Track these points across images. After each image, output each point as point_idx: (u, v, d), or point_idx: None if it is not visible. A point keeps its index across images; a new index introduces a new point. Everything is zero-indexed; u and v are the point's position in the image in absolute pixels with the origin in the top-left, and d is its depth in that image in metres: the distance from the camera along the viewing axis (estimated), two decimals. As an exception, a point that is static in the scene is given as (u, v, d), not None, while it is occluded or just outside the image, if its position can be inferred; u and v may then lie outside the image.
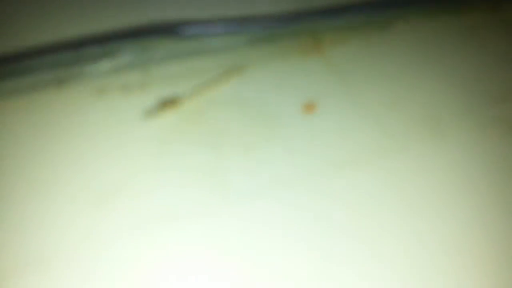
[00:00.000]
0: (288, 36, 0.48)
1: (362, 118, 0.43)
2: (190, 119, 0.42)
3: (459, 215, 0.36)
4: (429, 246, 0.35)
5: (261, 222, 0.35)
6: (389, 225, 0.35)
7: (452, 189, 0.38)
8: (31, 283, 0.32)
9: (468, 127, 0.43)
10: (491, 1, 0.52)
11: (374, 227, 0.35)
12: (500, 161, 0.40)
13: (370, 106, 0.44)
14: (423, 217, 0.36)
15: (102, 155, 0.39)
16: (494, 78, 0.47)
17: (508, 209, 0.37)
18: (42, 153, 0.39)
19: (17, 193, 0.36)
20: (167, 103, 0.41)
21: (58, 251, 0.33)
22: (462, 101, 0.44)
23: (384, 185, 0.39)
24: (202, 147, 0.39)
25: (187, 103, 0.42)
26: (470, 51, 0.49)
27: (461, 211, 0.36)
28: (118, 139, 0.40)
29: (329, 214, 0.36)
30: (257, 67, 0.46)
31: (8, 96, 0.42)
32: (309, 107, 0.43)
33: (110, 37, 0.44)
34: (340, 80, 0.46)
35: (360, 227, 0.35)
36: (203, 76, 0.45)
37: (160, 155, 0.39)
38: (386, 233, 0.35)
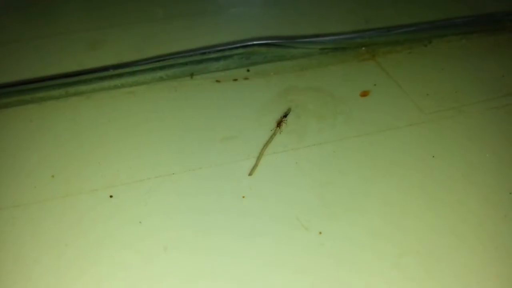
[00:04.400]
0: (350, 48, 0.67)
1: (402, 101, 0.59)
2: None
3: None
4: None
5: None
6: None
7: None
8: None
9: (484, 110, 0.57)
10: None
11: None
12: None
13: (408, 94, 0.60)
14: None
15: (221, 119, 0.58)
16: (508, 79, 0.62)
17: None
18: (190, 121, 0.58)
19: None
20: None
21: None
22: (480, 91, 0.60)
23: (414, 144, 0.54)
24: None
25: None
26: (489, 61, 0.64)
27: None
28: (228, 111, 0.59)
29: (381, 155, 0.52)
30: (327, 68, 0.65)
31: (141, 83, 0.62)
32: (364, 93, 0.60)
33: (226, 45, 0.65)
34: (387, 77, 0.63)
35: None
36: (287, 75, 0.64)
37: (261, 111, 0.57)
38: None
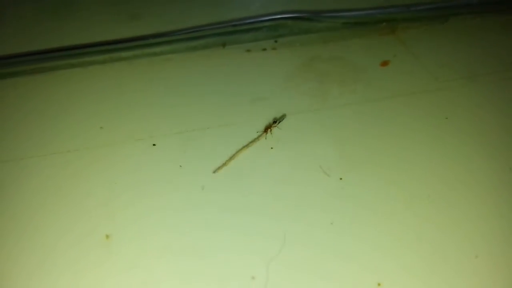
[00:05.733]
0: (371, 23, 0.72)
1: (418, 71, 0.64)
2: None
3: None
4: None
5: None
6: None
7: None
8: None
9: (496, 80, 0.62)
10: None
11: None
12: None
13: (424, 64, 0.65)
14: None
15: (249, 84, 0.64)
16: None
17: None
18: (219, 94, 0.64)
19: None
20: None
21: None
22: (493, 64, 0.64)
23: (429, 108, 0.59)
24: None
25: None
26: (502, 38, 0.69)
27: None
28: (257, 77, 0.65)
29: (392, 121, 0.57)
30: (349, 41, 0.70)
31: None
32: (383, 63, 0.65)
33: (255, 18, 0.70)
34: (405, 50, 0.67)
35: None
36: (311, 47, 0.69)
37: (288, 77, 0.63)
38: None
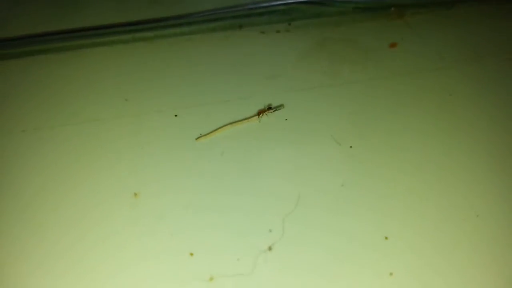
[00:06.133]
0: (380, 8, 0.75)
1: (426, 51, 0.67)
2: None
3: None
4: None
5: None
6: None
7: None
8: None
9: (499, 60, 0.65)
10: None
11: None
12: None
13: (431, 46, 0.68)
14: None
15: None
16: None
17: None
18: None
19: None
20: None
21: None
22: (497, 46, 0.67)
23: (436, 85, 0.62)
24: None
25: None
26: (506, 24, 0.72)
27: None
28: (272, 57, 0.69)
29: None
30: (359, 24, 0.73)
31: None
32: (392, 44, 0.69)
33: (270, 2, 0.74)
34: (413, 33, 0.71)
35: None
36: (323, 29, 0.73)
37: (300, 57, 0.66)
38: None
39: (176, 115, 0.58)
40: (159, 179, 0.51)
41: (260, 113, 0.57)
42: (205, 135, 0.54)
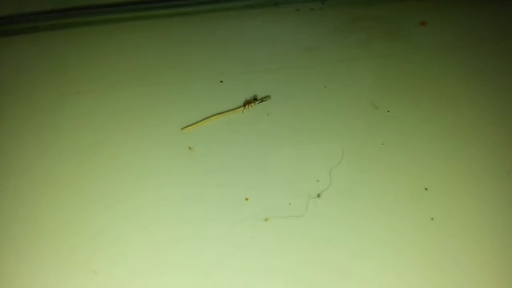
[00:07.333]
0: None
1: (453, 30, 0.71)
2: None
3: None
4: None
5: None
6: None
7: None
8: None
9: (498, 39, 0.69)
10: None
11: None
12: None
13: (459, 24, 0.72)
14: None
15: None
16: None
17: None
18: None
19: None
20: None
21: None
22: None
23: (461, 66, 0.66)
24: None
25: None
26: None
27: None
28: (307, 31, 0.72)
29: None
30: (390, 5, 0.77)
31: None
32: (422, 22, 0.73)
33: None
34: (442, 13, 0.75)
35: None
36: (356, 8, 0.77)
37: (335, 31, 0.70)
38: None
39: (221, 81, 0.62)
40: (210, 134, 0.55)
41: (246, 104, 0.58)
42: (192, 125, 0.55)
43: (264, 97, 0.59)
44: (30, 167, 0.53)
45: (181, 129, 0.55)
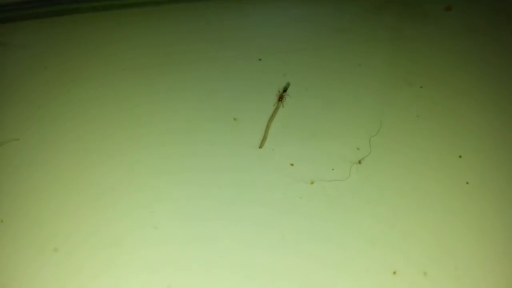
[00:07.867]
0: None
1: (479, 14, 0.74)
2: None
3: None
4: None
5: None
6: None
7: None
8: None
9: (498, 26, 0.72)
10: None
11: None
12: None
13: (483, 10, 0.75)
14: None
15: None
16: None
17: None
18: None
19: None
20: None
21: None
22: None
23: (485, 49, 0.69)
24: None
25: None
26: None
27: None
28: (346, 7, 0.76)
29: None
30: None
31: None
32: (447, 8, 0.76)
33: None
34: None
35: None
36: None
37: (366, 14, 0.74)
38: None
39: (260, 59, 0.66)
40: (255, 107, 0.58)
41: (280, 98, 0.59)
42: (263, 139, 0.56)
43: (286, 84, 0.62)
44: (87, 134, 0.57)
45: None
